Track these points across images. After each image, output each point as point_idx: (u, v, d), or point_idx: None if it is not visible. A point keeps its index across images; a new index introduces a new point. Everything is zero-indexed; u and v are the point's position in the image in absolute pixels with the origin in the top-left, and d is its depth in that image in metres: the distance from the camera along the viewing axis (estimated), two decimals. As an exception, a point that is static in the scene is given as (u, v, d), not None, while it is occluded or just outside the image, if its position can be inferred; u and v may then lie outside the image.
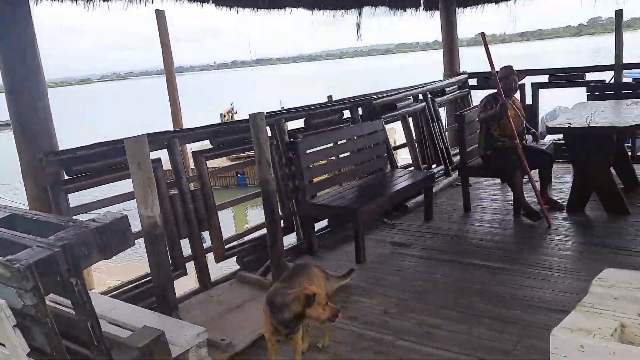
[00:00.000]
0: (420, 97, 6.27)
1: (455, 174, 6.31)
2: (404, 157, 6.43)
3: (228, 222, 10.88)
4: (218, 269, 4.23)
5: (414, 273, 3.91)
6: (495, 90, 4.85)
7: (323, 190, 4.62)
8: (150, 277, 3.30)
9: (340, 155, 4.92)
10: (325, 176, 4.73)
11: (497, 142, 4.86)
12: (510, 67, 4.99)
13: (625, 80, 6.27)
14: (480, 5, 8.02)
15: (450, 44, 7.48)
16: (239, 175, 15.30)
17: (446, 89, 6.83)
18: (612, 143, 4.64)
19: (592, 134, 4.51)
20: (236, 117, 18.59)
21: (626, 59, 6.63)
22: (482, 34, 4.87)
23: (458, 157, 6.54)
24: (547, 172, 5.08)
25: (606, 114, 4.87)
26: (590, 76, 6.59)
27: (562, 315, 1.80)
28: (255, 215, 11.62)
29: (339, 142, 4.92)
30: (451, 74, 7.37)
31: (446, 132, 6.58)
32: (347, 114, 5.30)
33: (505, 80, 4.84)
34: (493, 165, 4.94)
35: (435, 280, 3.76)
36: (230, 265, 4.22)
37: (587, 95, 6.32)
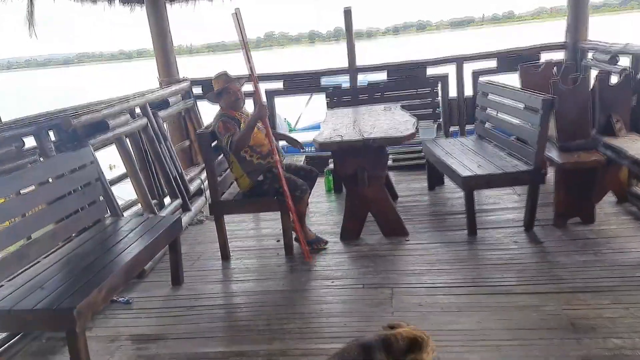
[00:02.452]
0: (139, 111, 4.68)
1: (194, 207, 4.97)
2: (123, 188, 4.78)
3: None
4: None
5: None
6: (219, 109, 3.93)
7: (1, 277, 2.68)
8: None
9: (30, 212, 3.01)
10: (9, 249, 2.76)
11: (263, 165, 3.85)
12: (226, 72, 3.98)
13: (359, 85, 5.85)
14: (191, 1, 6.82)
15: (164, 44, 6.00)
16: None
17: (169, 99, 5.37)
18: (387, 156, 4.00)
19: (369, 148, 3.75)
20: None
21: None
22: (237, 10, 3.74)
23: (194, 184, 5.26)
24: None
25: (373, 123, 4.21)
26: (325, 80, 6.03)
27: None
28: None
29: (23, 191, 3.02)
30: (169, 82, 5.93)
31: (176, 155, 5.13)
32: (29, 142, 3.38)
33: (229, 90, 3.86)
34: (270, 192, 3.81)
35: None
36: None
37: (327, 101, 5.75)
